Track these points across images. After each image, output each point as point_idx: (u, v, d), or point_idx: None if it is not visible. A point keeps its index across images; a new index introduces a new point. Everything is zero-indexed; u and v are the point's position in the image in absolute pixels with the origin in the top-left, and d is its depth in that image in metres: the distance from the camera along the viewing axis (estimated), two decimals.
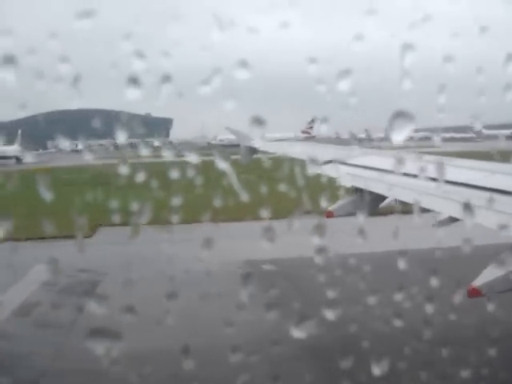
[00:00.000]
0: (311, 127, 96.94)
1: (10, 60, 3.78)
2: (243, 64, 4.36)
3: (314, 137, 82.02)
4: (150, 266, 18.19)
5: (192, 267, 16.09)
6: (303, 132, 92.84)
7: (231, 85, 4.52)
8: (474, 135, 76.61)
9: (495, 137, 67.94)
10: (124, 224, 24.60)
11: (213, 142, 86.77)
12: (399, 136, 4.63)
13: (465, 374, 6.96)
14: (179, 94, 4.48)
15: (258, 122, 4.45)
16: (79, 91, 4.26)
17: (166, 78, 4.35)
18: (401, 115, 4.59)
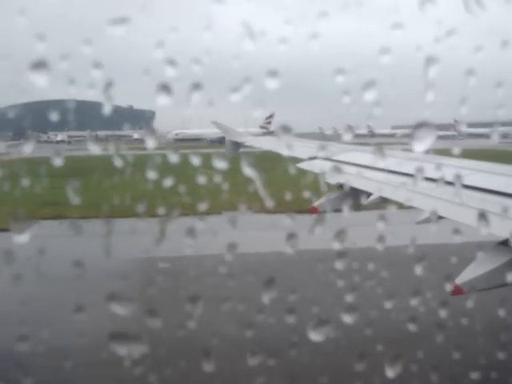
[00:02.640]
0: (269, 122, 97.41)
1: (42, 65, 4.02)
2: (272, 73, 4.54)
3: (271, 132, 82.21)
4: (46, 261, 17.55)
5: (89, 263, 15.89)
6: (261, 127, 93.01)
7: (260, 92, 4.67)
8: (455, 133, 77.21)
9: (477, 135, 68.41)
10: (58, 217, 24.24)
11: (169, 136, 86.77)
12: (421, 145, 4.85)
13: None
14: (209, 102, 4.73)
15: (286, 129, 4.71)
16: (110, 97, 4.41)
17: (196, 86, 4.50)
18: (423, 125, 4.81)
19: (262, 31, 4.29)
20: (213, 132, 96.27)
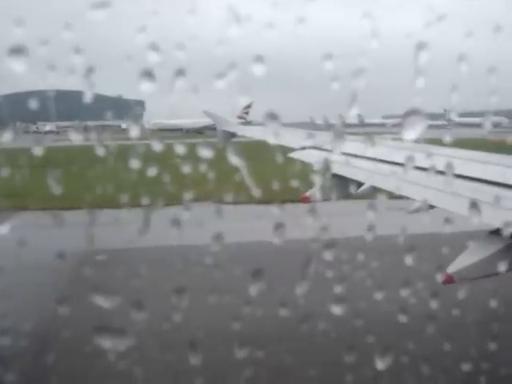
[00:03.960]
0: (246, 112, 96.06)
1: (20, 50, 3.86)
2: (259, 59, 4.46)
3: (249, 122, 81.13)
4: None
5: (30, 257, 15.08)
6: (239, 117, 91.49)
7: (246, 79, 4.59)
8: (445, 122, 77.32)
9: (467, 124, 68.44)
10: (28, 208, 23.94)
11: (146, 126, 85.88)
12: (411, 133, 4.78)
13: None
14: (193, 88, 4.63)
15: (272, 116, 4.63)
16: (92, 83, 4.30)
17: (180, 72, 4.41)
18: (413, 112, 4.73)
19: (248, 15, 4.19)
20: (192, 122, 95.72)
